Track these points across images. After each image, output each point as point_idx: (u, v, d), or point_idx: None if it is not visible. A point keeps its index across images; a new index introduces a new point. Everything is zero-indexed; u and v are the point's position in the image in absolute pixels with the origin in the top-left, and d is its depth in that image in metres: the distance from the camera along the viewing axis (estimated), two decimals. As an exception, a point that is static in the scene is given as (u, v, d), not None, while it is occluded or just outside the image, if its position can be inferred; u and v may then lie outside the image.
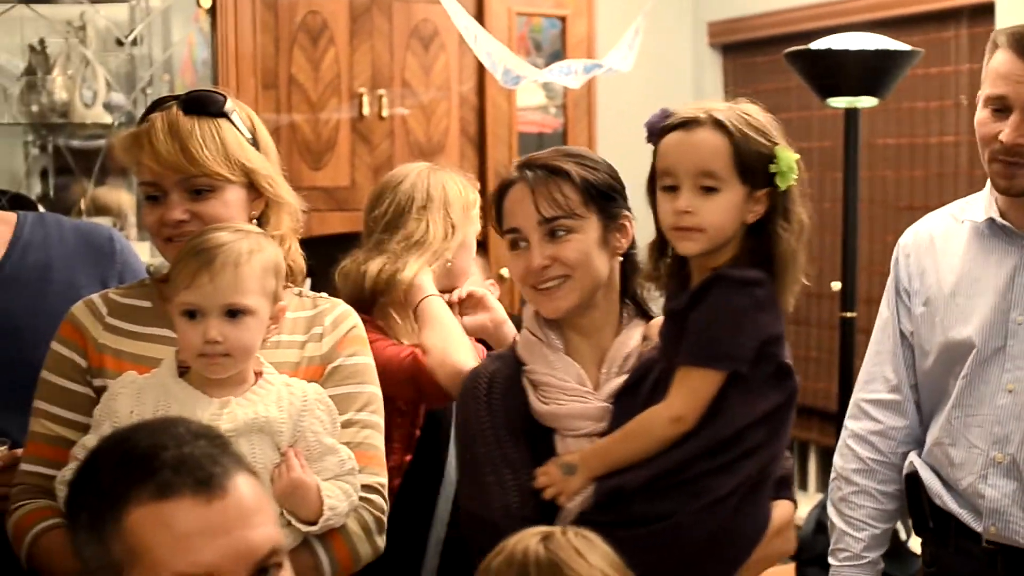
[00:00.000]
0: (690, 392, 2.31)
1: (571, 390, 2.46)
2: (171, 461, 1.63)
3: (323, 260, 4.64)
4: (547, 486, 2.38)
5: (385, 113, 4.79)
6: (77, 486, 1.71)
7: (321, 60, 4.70)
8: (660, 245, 2.43)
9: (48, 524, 2.37)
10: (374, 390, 2.52)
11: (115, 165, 4.49)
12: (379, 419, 2.51)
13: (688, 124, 2.33)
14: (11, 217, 2.94)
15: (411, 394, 2.92)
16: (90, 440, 2.29)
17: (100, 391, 2.43)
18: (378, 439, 2.49)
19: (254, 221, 2.49)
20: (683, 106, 2.39)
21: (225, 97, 2.48)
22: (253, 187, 2.48)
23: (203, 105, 2.45)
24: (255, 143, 2.50)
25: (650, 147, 2.40)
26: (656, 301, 2.56)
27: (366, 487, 2.42)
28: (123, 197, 4.62)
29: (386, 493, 2.48)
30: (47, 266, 2.88)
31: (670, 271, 2.45)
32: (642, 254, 2.51)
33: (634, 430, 2.35)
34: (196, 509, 1.62)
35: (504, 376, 2.51)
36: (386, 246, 3.05)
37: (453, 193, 3.10)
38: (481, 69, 4.90)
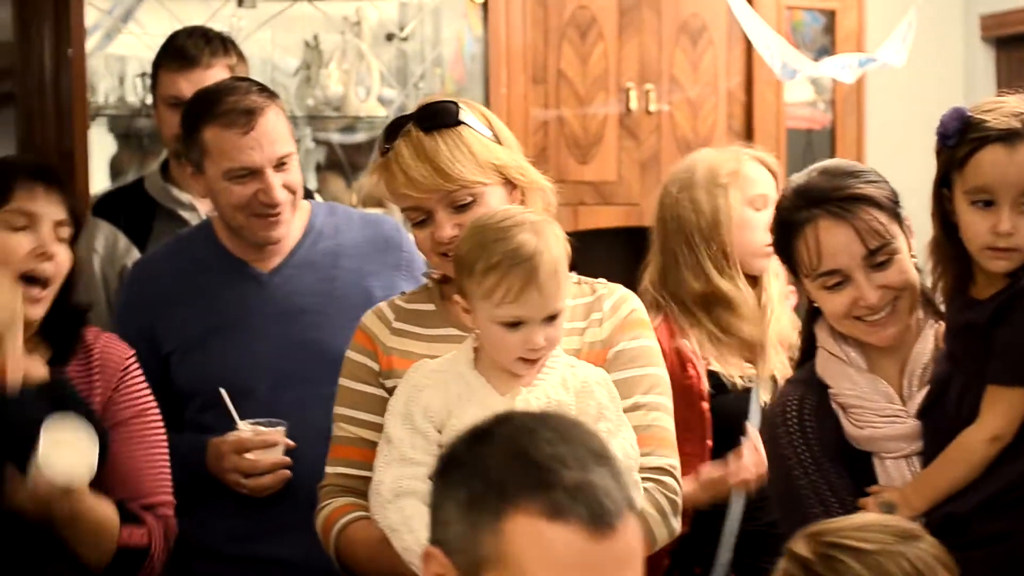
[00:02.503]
0: (1006, 411, 2.23)
1: (883, 410, 2.39)
2: (570, 483, 1.55)
3: (590, 254, 4.64)
4: None
5: (652, 108, 4.75)
6: (461, 458, 1.63)
7: (589, 55, 4.69)
8: (948, 249, 2.33)
9: (353, 517, 2.46)
10: (659, 372, 2.51)
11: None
12: (666, 400, 2.49)
13: (1009, 138, 2.21)
14: (306, 205, 3.07)
15: None
16: (397, 430, 2.31)
17: (392, 392, 2.47)
18: (667, 420, 2.48)
19: None
20: (979, 105, 2.28)
21: (456, 104, 2.49)
22: (508, 181, 2.49)
23: (439, 118, 2.46)
24: (496, 138, 2.50)
25: (922, 143, 2.31)
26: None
27: (658, 469, 2.40)
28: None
29: (678, 474, 2.46)
30: (337, 253, 2.99)
31: (954, 274, 2.35)
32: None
33: (952, 457, 2.27)
34: (581, 542, 1.54)
35: (813, 401, 2.46)
36: None
37: None
38: (749, 64, 4.86)
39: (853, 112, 5.12)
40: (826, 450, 2.42)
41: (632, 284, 3.37)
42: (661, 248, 3.20)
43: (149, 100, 3.89)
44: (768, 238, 2.60)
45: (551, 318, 2.29)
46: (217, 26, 3.91)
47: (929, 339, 2.45)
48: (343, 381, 2.57)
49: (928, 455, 2.36)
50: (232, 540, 2.91)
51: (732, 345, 3.12)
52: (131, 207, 3.59)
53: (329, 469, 2.55)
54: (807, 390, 2.48)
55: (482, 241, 2.29)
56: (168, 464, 2.71)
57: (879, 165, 2.61)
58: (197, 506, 2.90)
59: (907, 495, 2.31)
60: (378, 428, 2.47)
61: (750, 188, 3.17)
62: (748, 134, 4.88)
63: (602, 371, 2.40)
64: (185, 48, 3.52)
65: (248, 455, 2.84)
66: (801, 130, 5.09)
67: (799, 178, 2.48)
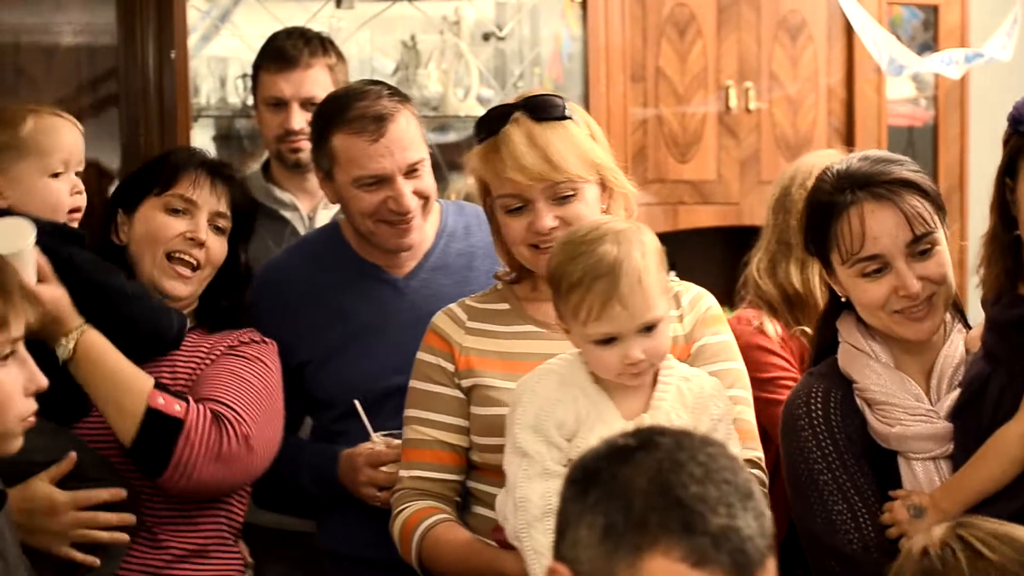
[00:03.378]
0: None
1: (912, 409, 2.34)
2: (715, 529, 1.47)
3: (688, 254, 4.63)
4: (891, 523, 2.29)
5: (752, 106, 4.71)
6: (601, 477, 1.55)
7: (688, 52, 4.66)
8: (1002, 242, 2.26)
9: (436, 520, 2.45)
10: (739, 366, 2.52)
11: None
12: (748, 394, 2.51)
13: None
14: (437, 206, 3.01)
15: None
16: (531, 444, 2.26)
17: (468, 391, 2.49)
18: (749, 413, 2.48)
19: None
20: None
21: (563, 99, 2.50)
22: (602, 182, 2.50)
23: (550, 110, 2.46)
24: (592, 138, 2.51)
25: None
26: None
27: (748, 462, 2.38)
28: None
29: (764, 466, 2.46)
30: (470, 254, 2.97)
31: (1004, 268, 2.27)
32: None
33: (987, 455, 2.20)
34: None
35: (837, 395, 2.42)
36: None
37: None
38: (850, 60, 4.81)
39: (956, 108, 5.04)
40: (850, 446, 2.38)
41: (731, 284, 3.37)
42: (777, 237, 3.18)
43: (250, 101, 3.92)
44: None
45: (648, 328, 2.23)
46: (316, 27, 3.94)
47: (958, 343, 2.41)
48: (414, 383, 2.56)
49: (959, 458, 2.29)
50: (368, 547, 2.84)
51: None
52: None
53: (404, 473, 2.54)
54: (831, 384, 2.45)
55: (566, 258, 2.25)
56: (261, 391, 2.70)
57: (982, 162, 2.58)
58: (333, 513, 2.93)
59: (937, 499, 2.26)
60: (454, 429, 2.49)
61: None
62: (848, 132, 4.84)
63: (715, 380, 2.37)
64: (285, 49, 3.54)
65: (384, 468, 2.79)
66: (902, 127, 5.02)
67: (838, 163, 2.44)
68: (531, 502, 2.22)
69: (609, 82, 4.49)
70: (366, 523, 2.80)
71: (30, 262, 2.45)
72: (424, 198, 2.88)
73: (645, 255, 2.24)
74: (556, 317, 2.33)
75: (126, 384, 2.56)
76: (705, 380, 2.35)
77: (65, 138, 2.68)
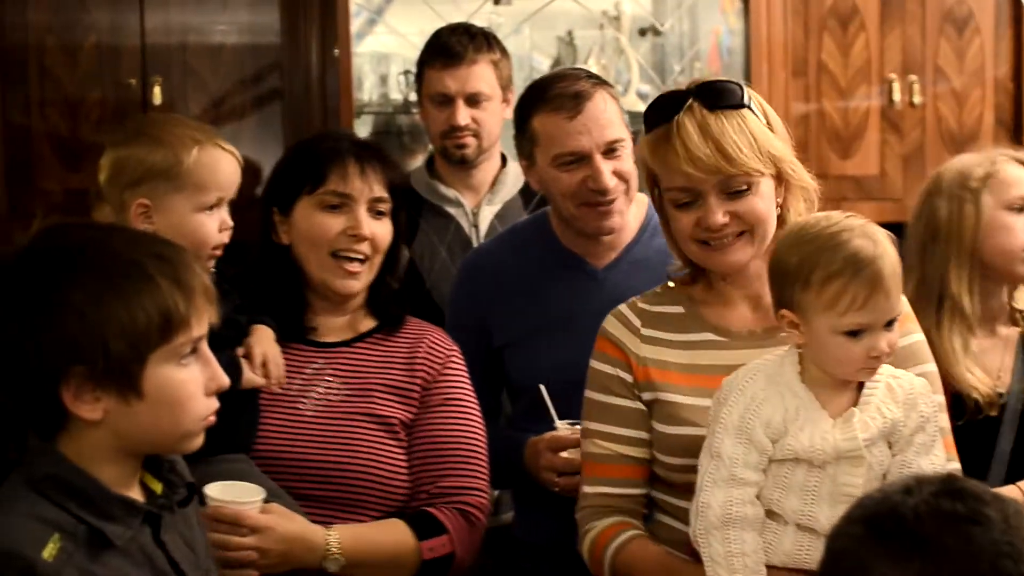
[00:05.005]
0: None
1: None
2: None
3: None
4: None
5: (916, 100, 4.62)
6: (927, 551, 1.46)
7: (851, 46, 4.59)
8: None
9: (628, 536, 2.40)
10: (934, 368, 2.42)
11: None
12: (943, 400, 2.40)
13: None
14: (643, 199, 2.98)
15: None
16: (728, 447, 2.21)
17: (650, 404, 2.42)
18: (946, 419, 2.39)
19: (778, 210, 2.41)
20: None
21: (740, 85, 2.39)
22: (778, 175, 2.39)
23: (726, 98, 2.35)
24: (770, 128, 2.40)
25: None
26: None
27: None
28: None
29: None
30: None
31: None
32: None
33: None
34: None
35: None
36: None
37: None
38: (1018, 53, 4.69)
39: None
40: None
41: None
42: (918, 248, 3.13)
43: (412, 97, 3.95)
44: None
45: (890, 323, 2.19)
46: (476, 23, 3.94)
47: None
48: (592, 394, 2.49)
49: None
50: (556, 538, 2.85)
51: None
52: None
53: (588, 489, 2.47)
54: None
55: (814, 249, 2.18)
56: (482, 453, 2.71)
57: None
58: (532, 504, 2.95)
59: None
60: (636, 442, 2.42)
61: (1006, 191, 3.06)
62: (1016, 126, 4.72)
63: (923, 380, 2.29)
64: (449, 45, 3.55)
65: (564, 454, 2.79)
66: (1073, 121, 4.89)
67: None
68: (711, 509, 2.19)
69: (771, 77, 4.45)
70: (566, 515, 2.77)
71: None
72: (625, 180, 2.88)
73: (893, 248, 2.21)
74: (782, 311, 2.23)
75: (394, 552, 2.57)
76: (915, 379, 2.27)
77: (223, 174, 2.59)
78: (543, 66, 4.69)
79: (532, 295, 2.97)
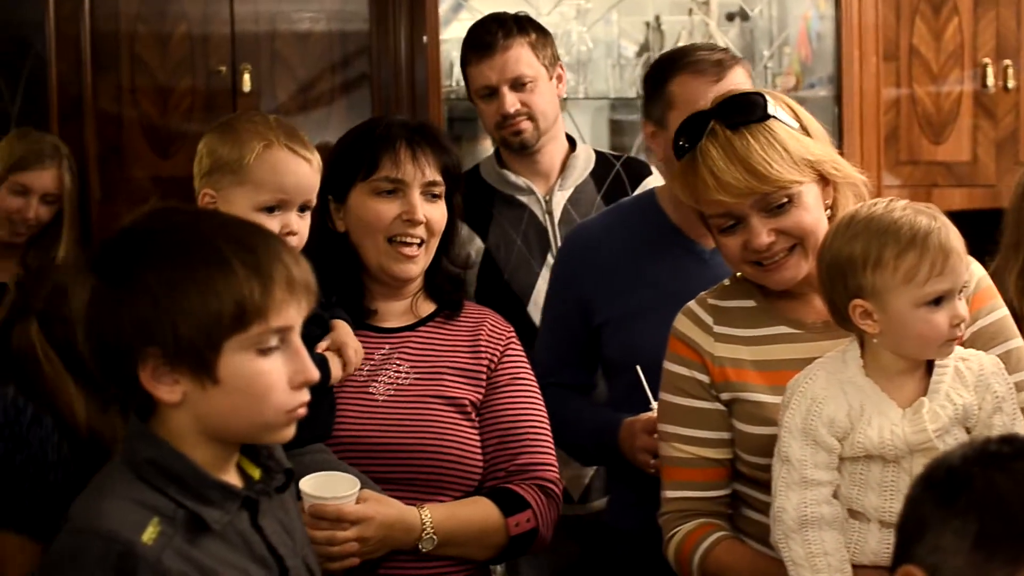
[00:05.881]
0: None
1: None
2: None
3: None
4: None
5: (1011, 85, 4.55)
6: (972, 483, 1.49)
7: (943, 30, 4.52)
8: None
9: (715, 538, 2.37)
10: (1020, 343, 2.38)
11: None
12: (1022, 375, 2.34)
13: None
14: None
15: None
16: (796, 449, 2.20)
17: (730, 404, 2.39)
18: None
19: (828, 211, 2.36)
20: None
21: (762, 95, 2.32)
22: (821, 177, 2.33)
23: (748, 114, 2.29)
24: (804, 130, 2.33)
25: None
26: None
27: None
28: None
29: None
30: None
31: None
32: None
33: None
34: None
35: None
36: None
37: None
38: (1115, 35, 4.61)
39: None
40: None
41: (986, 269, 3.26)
42: (1012, 236, 3.09)
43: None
44: None
45: (961, 290, 2.18)
46: (562, 10, 3.93)
47: None
48: (668, 396, 2.45)
49: None
50: (645, 526, 2.77)
51: None
52: (469, 194, 3.59)
53: (669, 493, 2.44)
54: None
55: (876, 232, 2.15)
56: (549, 430, 2.71)
57: None
58: (624, 490, 2.95)
59: None
60: (717, 444, 2.38)
61: None
62: (1114, 112, 4.64)
63: (994, 358, 2.25)
64: (480, 37, 3.52)
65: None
66: None
67: None
68: (787, 512, 2.17)
69: (862, 62, 4.39)
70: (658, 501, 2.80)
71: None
72: None
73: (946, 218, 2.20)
74: (854, 301, 2.18)
75: (482, 528, 2.58)
76: (984, 358, 2.24)
77: (286, 177, 2.55)
78: (629, 52, 4.67)
79: (636, 273, 2.93)
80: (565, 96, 3.69)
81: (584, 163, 3.56)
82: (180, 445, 1.84)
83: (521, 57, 3.48)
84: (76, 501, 1.83)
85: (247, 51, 4.44)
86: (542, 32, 3.59)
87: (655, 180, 3.52)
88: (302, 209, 2.59)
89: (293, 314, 1.85)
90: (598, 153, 3.62)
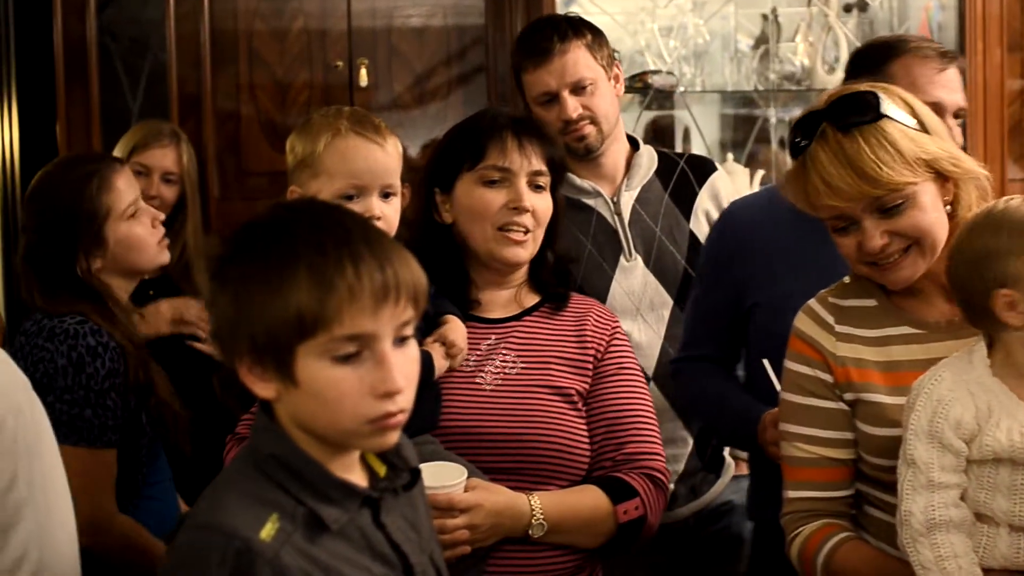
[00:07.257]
0: None
1: None
2: None
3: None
4: None
5: None
6: None
7: (1070, 20, 4.45)
8: None
9: (839, 539, 2.35)
10: None
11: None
12: None
13: None
14: None
15: None
16: (922, 452, 2.16)
17: (853, 404, 2.35)
18: None
19: (948, 207, 2.31)
20: None
21: (875, 94, 2.26)
22: (939, 175, 2.28)
23: (858, 114, 2.25)
24: (921, 126, 2.28)
25: None
26: None
27: None
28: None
29: None
30: None
31: None
32: None
33: None
34: None
35: None
36: None
37: None
38: None
39: None
40: None
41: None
42: None
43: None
44: None
45: None
46: (680, 2, 3.89)
47: None
48: (789, 396, 2.42)
49: None
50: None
51: None
52: None
53: (791, 493, 2.42)
54: None
55: (1009, 223, 2.12)
56: (655, 418, 2.70)
57: None
58: (765, 481, 2.90)
59: None
60: (840, 444, 2.36)
61: None
62: None
63: None
64: (535, 43, 3.41)
65: None
66: None
67: None
68: (914, 516, 2.14)
69: (985, 53, 4.33)
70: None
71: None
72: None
73: None
74: (998, 290, 2.13)
75: (592, 515, 2.58)
76: None
77: (358, 163, 2.58)
78: (744, 46, 4.63)
79: (792, 257, 2.89)
80: (683, 89, 3.65)
81: (648, 162, 3.50)
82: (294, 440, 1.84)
83: (580, 60, 3.40)
84: (202, 494, 1.84)
85: (364, 46, 4.48)
86: (597, 32, 3.49)
87: (721, 176, 3.49)
88: (386, 196, 2.62)
89: (367, 322, 1.78)
90: (660, 152, 3.56)
